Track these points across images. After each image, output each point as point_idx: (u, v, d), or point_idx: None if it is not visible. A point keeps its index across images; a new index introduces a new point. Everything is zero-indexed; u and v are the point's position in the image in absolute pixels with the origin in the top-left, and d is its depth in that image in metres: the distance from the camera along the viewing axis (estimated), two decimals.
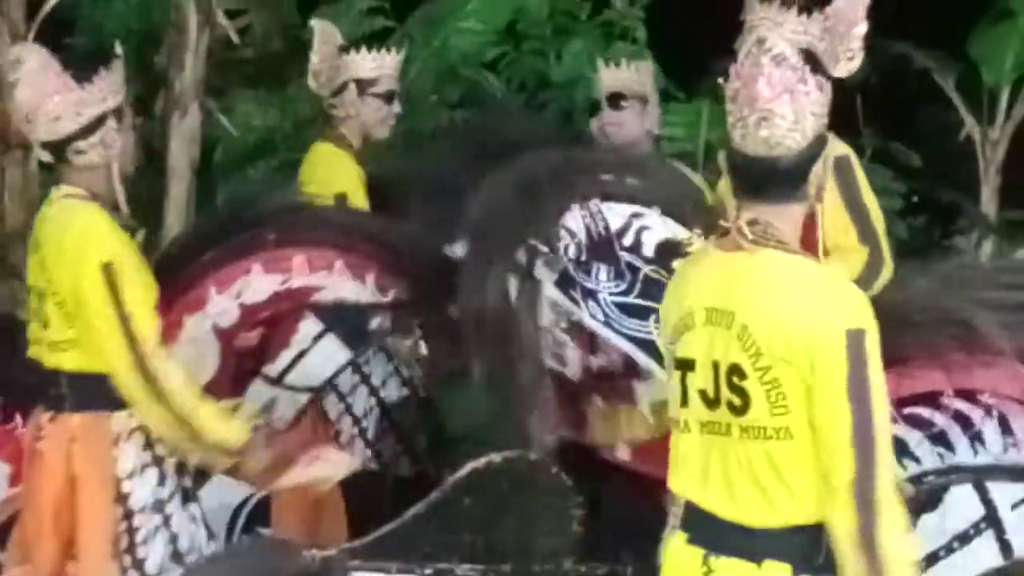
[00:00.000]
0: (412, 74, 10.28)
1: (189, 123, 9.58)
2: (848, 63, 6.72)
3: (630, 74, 8.06)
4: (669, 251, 6.16)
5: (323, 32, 7.86)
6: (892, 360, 4.24)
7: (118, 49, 6.05)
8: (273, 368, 6.55)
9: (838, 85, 10.30)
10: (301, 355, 6.65)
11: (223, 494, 7.33)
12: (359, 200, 7.53)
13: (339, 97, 7.62)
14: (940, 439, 4.62)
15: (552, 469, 7.35)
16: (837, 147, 6.41)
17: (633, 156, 7.12)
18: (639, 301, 6.17)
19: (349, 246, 6.06)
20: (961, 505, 4.62)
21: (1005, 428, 4.69)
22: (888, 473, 3.82)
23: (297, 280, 5.92)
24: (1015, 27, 10.17)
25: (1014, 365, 4.55)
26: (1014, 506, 4.84)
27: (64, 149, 5.54)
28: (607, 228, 6.21)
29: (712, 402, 3.97)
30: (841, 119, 9.97)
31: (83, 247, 5.45)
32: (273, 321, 6.44)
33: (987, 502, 4.84)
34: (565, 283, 6.18)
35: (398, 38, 10.54)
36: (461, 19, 10.85)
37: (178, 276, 6.11)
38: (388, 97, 7.59)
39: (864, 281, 6.41)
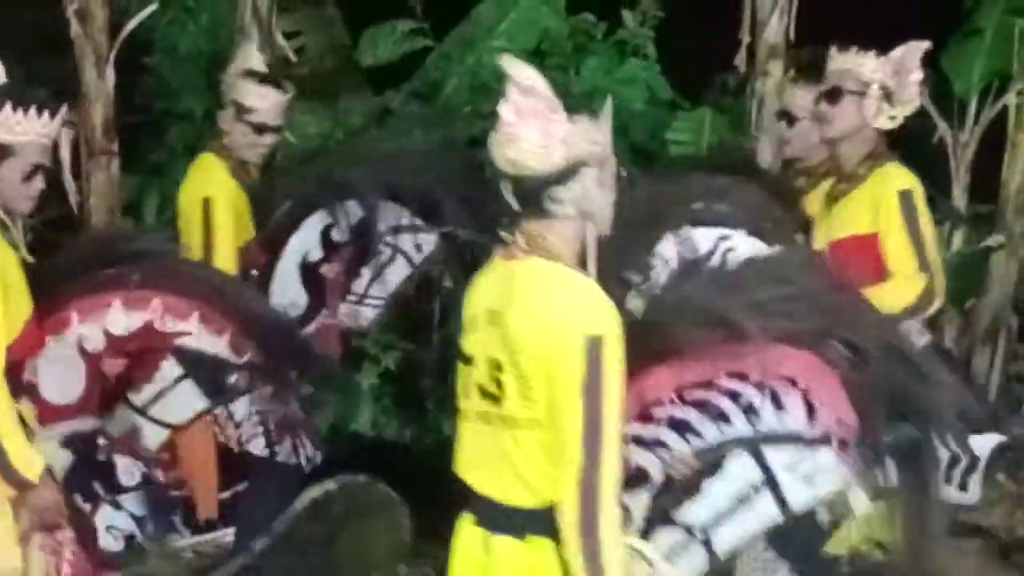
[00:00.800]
0: (448, 88, 10.85)
1: None
2: (907, 105, 6.97)
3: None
4: None
5: (244, 53, 8.03)
6: (672, 353, 4.68)
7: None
8: (138, 398, 6.70)
9: None
10: (162, 393, 6.76)
11: None
12: (222, 210, 7.49)
13: (222, 113, 7.75)
14: (719, 416, 4.81)
15: (382, 487, 7.67)
16: (904, 181, 6.73)
17: (720, 183, 7.10)
18: None
19: (207, 301, 6.05)
20: (740, 470, 4.85)
21: (777, 402, 4.86)
22: (613, 469, 4.00)
23: (159, 322, 5.93)
24: (982, 43, 10.28)
25: (780, 348, 4.68)
26: (788, 468, 5.07)
27: None
28: (695, 252, 6.48)
29: (485, 394, 4.18)
30: None
31: None
32: (139, 354, 6.52)
33: (764, 467, 5.04)
34: None
35: (436, 56, 11.07)
36: (493, 39, 10.87)
37: (46, 296, 6.03)
38: (259, 128, 7.56)
39: (917, 308, 6.75)
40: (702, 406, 4.90)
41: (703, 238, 6.50)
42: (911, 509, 5.06)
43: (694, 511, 5.10)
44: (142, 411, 7.12)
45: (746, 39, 9.86)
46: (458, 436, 4.34)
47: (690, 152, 10.33)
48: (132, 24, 9.43)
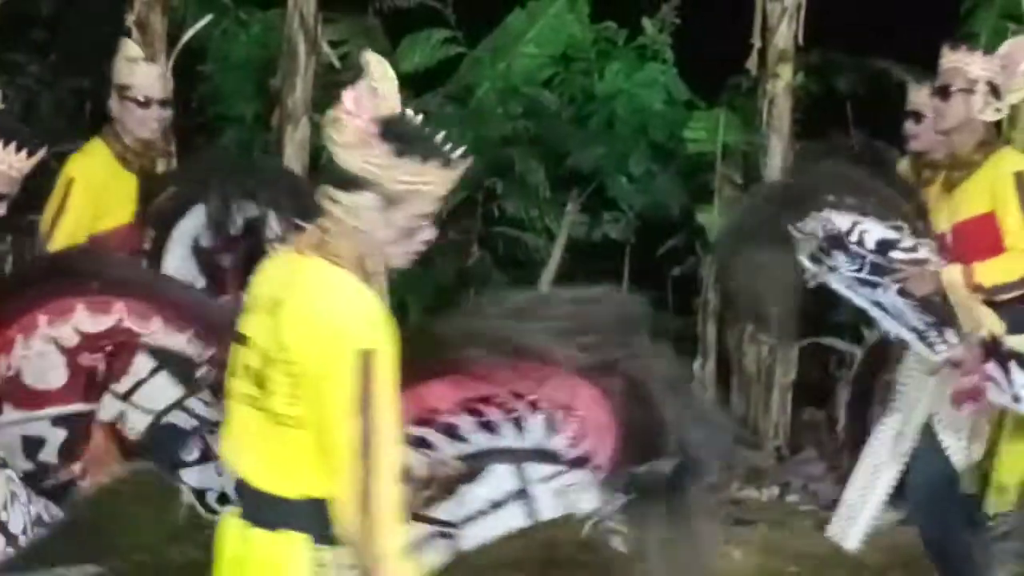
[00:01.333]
0: (481, 92, 11.01)
1: (300, 134, 10.06)
2: (1015, 94, 7.09)
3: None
4: (886, 246, 7.02)
5: (125, 47, 7.74)
6: (457, 369, 4.56)
7: None
8: (119, 387, 6.41)
9: (833, 95, 10.72)
10: (140, 383, 6.46)
11: None
12: (79, 194, 7.20)
13: (110, 102, 7.46)
14: (489, 427, 4.77)
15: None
16: (1018, 163, 6.92)
17: (849, 177, 7.22)
18: (868, 276, 7.08)
19: (166, 304, 5.81)
20: (499, 479, 4.80)
21: (549, 422, 4.73)
22: (389, 482, 3.82)
23: (126, 322, 5.70)
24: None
25: (564, 377, 4.55)
26: (542, 481, 4.99)
27: None
28: (837, 229, 7.00)
29: (254, 380, 3.97)
30: (836, 122, 10.22)
31: None
32: (114, 349, 6.25)
33: (521, 478, 4.98)
34: (813, 259, 7.12)
35: (469, 62, 11.24)
36: (522, 46, 11.01)
37: (10, 300, 5.95)
38: (141, 103, 7.31)
39: None
40: (476, 415, 4.82)
41: (841, 220, 6.90)
42: (651, 540, 4.88)
43: (448, 509, 5.03)
44: (124, 397, 7.99)
45: (757, 44, 10.14)
46: (227, 416, 4.13)
47: (706, 149, 10.48)
48: (189, 34, 9.40)
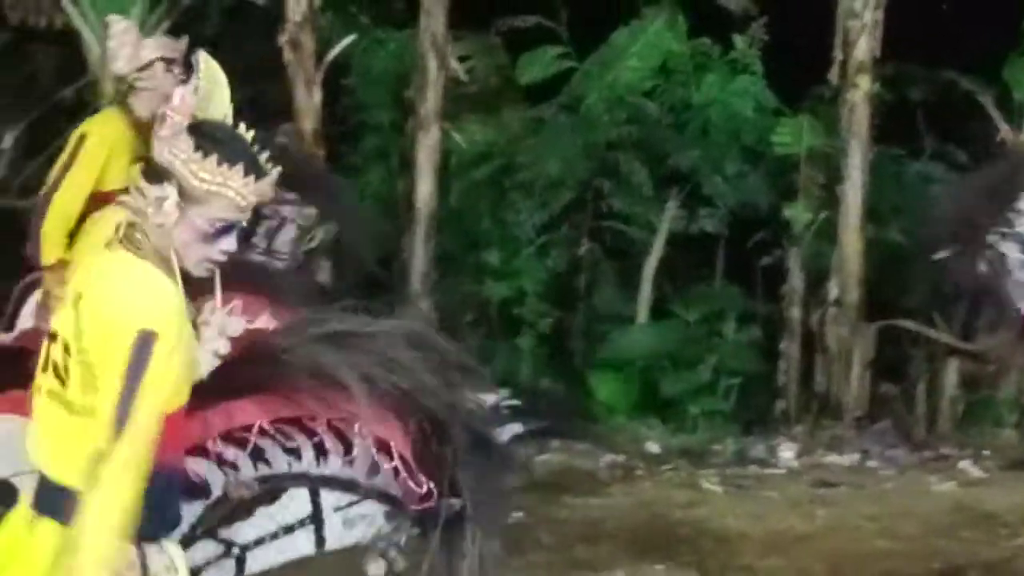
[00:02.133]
0: (589, 101, 11.06)
1: (431, 139, 10.30)
2: None
3: None
4: None
5: (121, 26, 7.28)
6: (268, 388, 4.41)
7: None
8: None
9: (906, 103, 10.87)
10: None
11: None
12: (92, 147, 7.03)
13: (147, 71, 6.98)
14: (292, 451, 4.62)
15: None
16: None
17: None
18: None
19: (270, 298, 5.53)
20: (294, 503, 4.71)
21: (347, 450, 4.61)
22: (130, 455, 3.57)
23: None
24: None
25: (371, 408, 4.36)
26: (336, 510, 4.95)
27: None
28: None
29: (56, 373, 3.76)
30: (909, 128, 10.59)
31: None
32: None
33: (316, 504, 4.89)
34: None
35: (580, 75, 11.32)
36: (626, 60, 11.07)
37: None
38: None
39: None
40: (282, 437, 4.68)
41: None
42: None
43: (240, 530, 4.92)
44: None
45: (838, 57, 10.31)
46: (34, 412, 3.87)
47: (792, 151, 10.61)
48: (334, 52, 10.05)
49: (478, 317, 10.83)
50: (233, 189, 3.61)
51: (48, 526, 3.72)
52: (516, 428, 8.81)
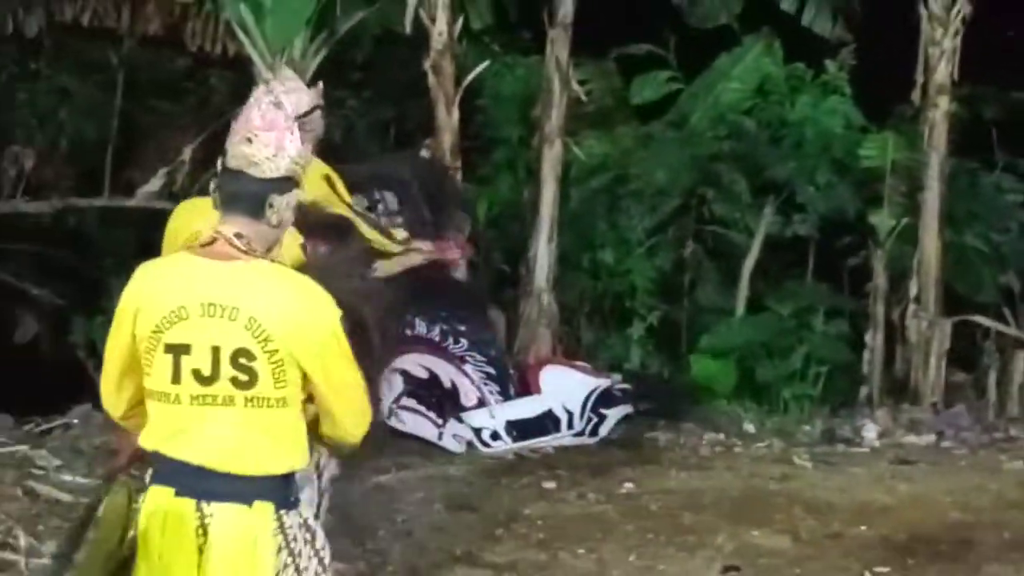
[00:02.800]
0: (694, 119, 11.32)
1: (555, 152, 10.48)
2: None
3: None
4: None
5: (291, 76, 7.02)
6: None
7: None
8: None
9: (981, 121, 11.10)
10: None
11: None
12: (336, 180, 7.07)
13: (309, 117, 6.73)
14: None
15: None
16: None
17: None
18: None
19: None
20: None
21: None
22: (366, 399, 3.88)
23: None
24: None
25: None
26: None
27: None
28: None
29: (208, 379, 3.70)
30: (983, 143, 10.88)
31: None
32: None
33: None
34: None
35: (686, 95, 11.56)
36: (728, 82, 11.40)
37: None
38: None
39: None
40: None
41: None
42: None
43: None
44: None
45: (920, 79, 10.52)
46: (152, 414, 3.80)
47: (877, 164, 10.77)
48: (471, 76, 10.29)
49: (593, 309, 10.98)
50: None
51: (227, 508, 3.73)
52: (627, 409, 9.38)
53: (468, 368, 9.23)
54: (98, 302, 10.46)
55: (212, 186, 3.81)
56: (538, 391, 9.35)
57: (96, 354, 10.12)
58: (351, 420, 3.88)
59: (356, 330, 4.07)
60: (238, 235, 3.71)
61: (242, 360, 3.68)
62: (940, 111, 10.58)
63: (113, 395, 3.99)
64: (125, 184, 10.55)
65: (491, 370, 9.30)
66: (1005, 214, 11.09)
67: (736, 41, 11.54)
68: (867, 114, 11.09)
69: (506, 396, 9.19)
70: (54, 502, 7.33)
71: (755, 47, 11.48)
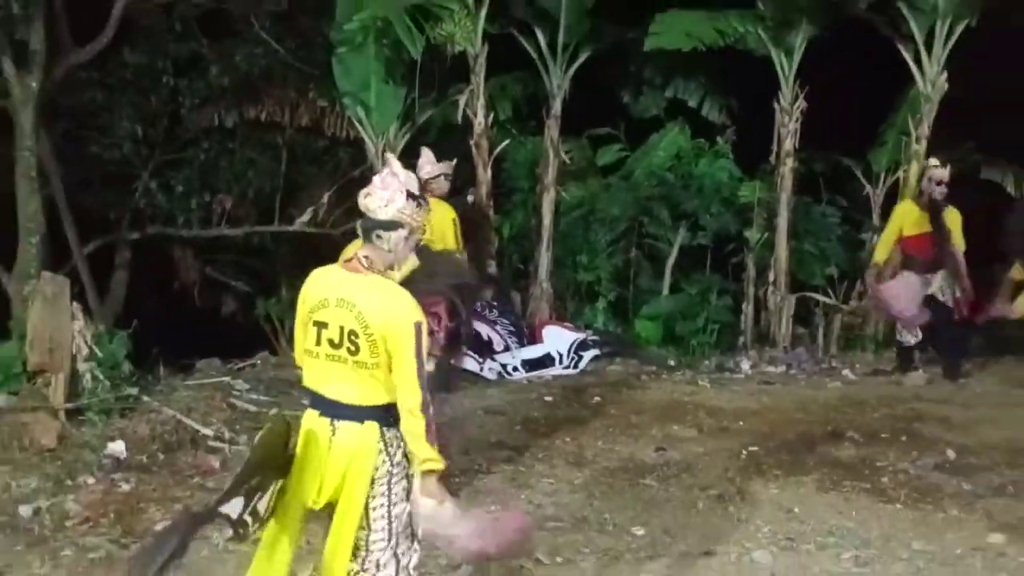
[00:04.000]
0: (636, 174, 10.95)
1: (550, 196, 10.28)
2: None
3: None
4: None
5: (426, 154, 7.09)
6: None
7: None
8: None
9: (813, 172, 10.65)
10: None
11: None
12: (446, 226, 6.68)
13: (436, 179, 6.91)
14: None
15: None
16: None
17: None
18: None
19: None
20: None
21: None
22: (425, 394, 3.61)
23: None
24: None
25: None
26: None
27: None
28: None
29: (336, 345, 3.66)
30: (814, 187, 10.53)
31: None
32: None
33: None
34: None
35: (631, 160, 11.14)
36: (656, 151, 11.04)
37: None
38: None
39: None
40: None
41: None
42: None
43: None
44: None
45: (775, 148, 10.40)
46: (309, 366, 3.76)
47: (749, 200, 10.55)
48: (498, 148, 10.11)
49: (575, 292, 10.79)
50: (422, 221, 3.73)
51: (348, 425, 3.68)
52: (595, 351, 9.41)
53: (498, 328, 9.21)
54: (272, 291, 10.68)
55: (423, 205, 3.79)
56: (541, 341, 9.26)
57: (271, 322, 10.49)
58: (404, 391, 3.67)
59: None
60: (366, 257, 3.67)
61: (352, 337, 3.64)
62: (788, 167, 10.41)
63: (299, 354, 3.92)
64: (288, 218, 10.55)
65: (512, 328, 9.23)
66: (828, 231, 10.95)
67: (662, 125, 11.35)
68: (743, 170, 10.86)
69: (522, 344, 9.14)
70: (244, 412, 7.30)
71: (673, 129, 11.24)
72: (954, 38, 9.77)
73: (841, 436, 7.05)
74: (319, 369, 3.72)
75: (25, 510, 5.45)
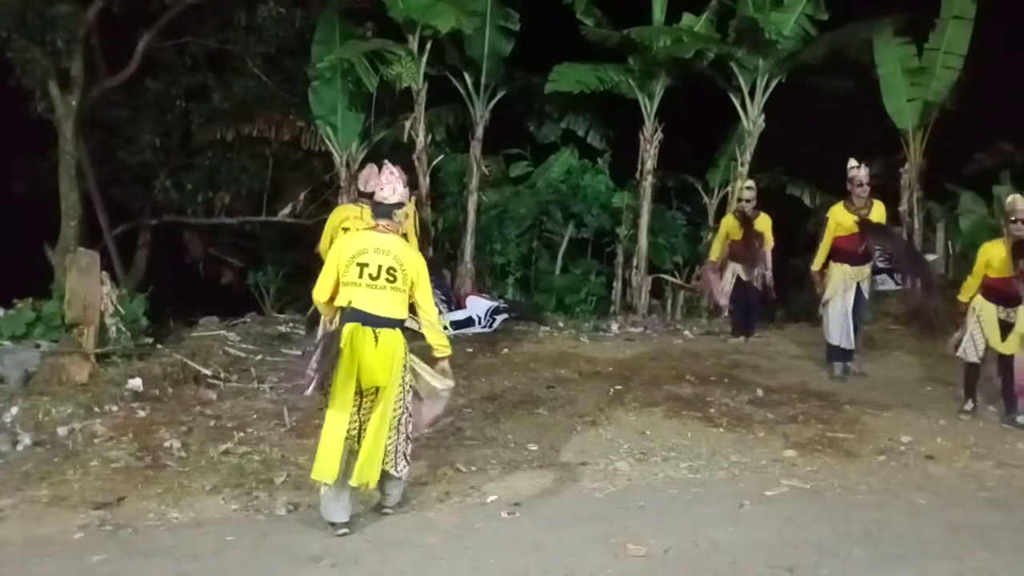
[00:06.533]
0: (538, 184, 10.75)
1: (474, 199, 9.89)
2: None
3: None
4: None
5: (371, 169, 6.01)
6: None
7: None
8: None
9: (666, 186, 10.46)
10: None
11: None
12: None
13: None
14: None
15: None
16: None
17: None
18: None
19: None
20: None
21: None
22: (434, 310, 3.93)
23: None
24: None
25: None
26: None
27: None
28: None
29: (374, 278, 3.87)
30: (667, 197, 10.32)
31: None
32: None
33: None
34: None
35: (535, 174, 10.90)
36: (554, 168, 10.83)
37: None
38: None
39: None
40: None
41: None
42: None
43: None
44: None
45: (640, 167, 10.13)
46: (350, 293, 3.88)
47: (620, 205, 10.37)
48: (435, 162, 9.75)
49: (491, 271, 10.63)
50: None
51: (389, 332, 3.89)
52: (506, 315, 9.32)
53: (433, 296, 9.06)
54: (260, 266, 10.51)
55: (367, 205, 4.11)
56: (465, 307, 9.05)
57: (259, 290, 10.30)
58: (427, 305, 3.98)
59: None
60: (386, 225, 3.92)
61: (391, 272, 3.86)
62: (648, 182, 10.29)
63: (323, 292, 4.03)
64: (273, 211, 10.39)
65: (444, 298, 8.84)
66: (676, 230, 10.96)
67: (558, 148, 11.22)
68: (616, 183, 10.73)
69: (450, 309, 8.89)
70: (236, 357, 7.13)
71: (566, 152, 11.12)
72: (770, 90, 9.90)
73: (682, 378, 7.07)
74: (359, 294, 3.87)
75: (62, 431, 5.42)
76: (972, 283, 5.83)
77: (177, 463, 4.94)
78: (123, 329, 6.43)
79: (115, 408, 5.73)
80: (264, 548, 3.96)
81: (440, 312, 8.95)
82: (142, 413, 5.71)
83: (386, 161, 4.10)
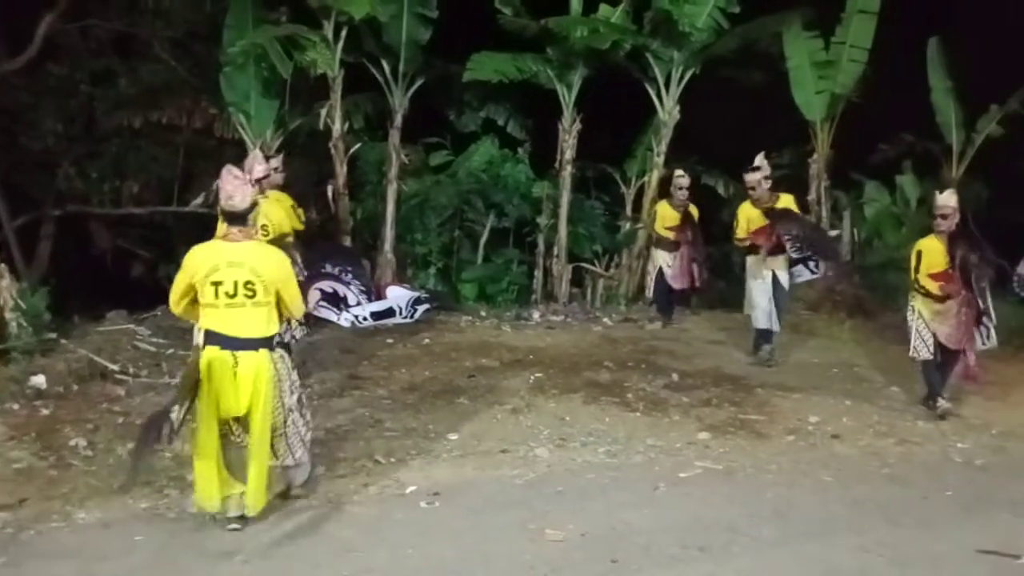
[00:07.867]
0: (459, 173, 10.70)
1: (393, 187, 9.83)
2: None
3: None
4: None
5: (255, 155, 5.88)
6: None
7: None
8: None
9: (586, 178, 10.61)
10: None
11: None
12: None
13: (268, 177, 5.85)
14: None
15: None
16: None
17: None
18: None
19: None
20: None
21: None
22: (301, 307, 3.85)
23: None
24: None
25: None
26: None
27: None
28: None
29: (232, 295, 3.71)
30: (586, 186, 10.43)
31: None
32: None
33: None
34: None
35: (455, 163, 10.86)
36: (474, 157, 10.76)
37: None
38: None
39: None
40: None
41: None
42: None
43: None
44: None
45: (559, 157, 10.18)
46: (209, 315, 3.74)
47: (541, 194, 10.39)
48: (352, 149, 9.65)
49: (412, 261, 10.57)
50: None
51: (247, 354, 3.75)
52: (427, 305, 9.32)
53: (352, 287, 8.85)
54: (172, 257, 10.09)
55: (219, 213, 3.79)
56: (386, 298, 9.04)
57: (170, 283, 9.85)
58: (294, 308, 3.89)
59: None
60: (240, 231, 3.76)
61: (248, 286, 3.70)
62: (568, 172, 10.31)
63: (176, 304, 3.95)
64: (184, 201, 10.15)
65: (363, 288, 8.88)
66: (595, 219, 11.04)
67: (478, 138, 11.19)
68: (536, 173, 10.76)
69: (370, 300, 8.87)
70: (145, 352, 6.98)
71: (487, 141, 11.11)
72: (684, 81, 9.98)
73: (600, 364, 7.10)
74: (218, 316, 3.72)
75: None
76: (923, 282, 5.73)
77: (83, 462, 4.79)
78: (24, 324, 6.22)
79: (16, 406, 5.53)
80: (174, 546, 3.88)
81: (359, 303, 9.06)
82: (45, 411, 5.52)
83: (227, 166, 3.92)
